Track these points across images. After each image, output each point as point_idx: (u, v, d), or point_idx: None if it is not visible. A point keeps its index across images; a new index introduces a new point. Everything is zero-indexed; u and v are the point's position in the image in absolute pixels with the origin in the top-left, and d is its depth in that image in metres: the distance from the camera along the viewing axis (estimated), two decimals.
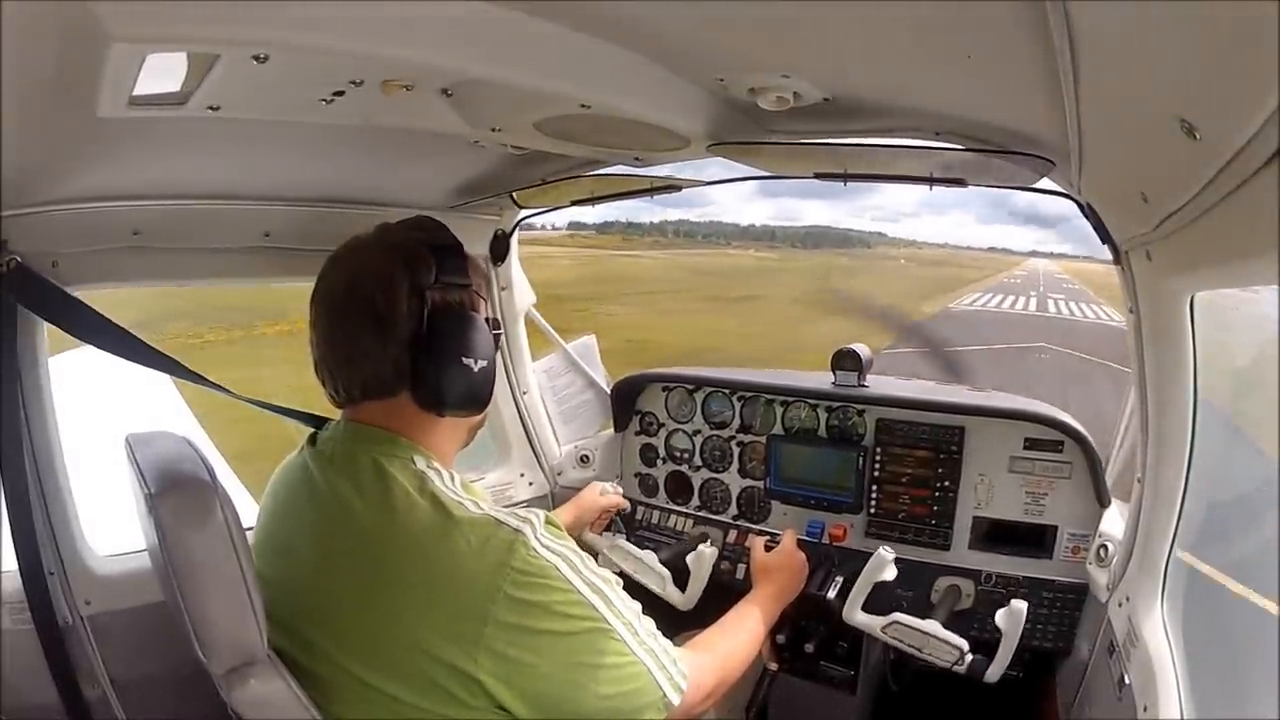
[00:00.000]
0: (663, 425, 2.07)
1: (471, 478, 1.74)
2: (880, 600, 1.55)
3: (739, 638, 1.26)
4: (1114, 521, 1.55)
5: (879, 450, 1.77)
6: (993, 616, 1.45)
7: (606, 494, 1.83)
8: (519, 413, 2.07)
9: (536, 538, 0.90)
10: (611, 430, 2.15)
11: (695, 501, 2.03)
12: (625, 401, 2.12)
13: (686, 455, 2.04)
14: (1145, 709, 1.13)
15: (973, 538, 1.70)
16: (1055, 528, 1.63)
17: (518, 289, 1.99)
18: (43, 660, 1.31)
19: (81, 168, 1.13)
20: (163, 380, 2.61)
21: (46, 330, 1.31)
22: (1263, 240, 0.66)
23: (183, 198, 1.32)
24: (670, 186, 1.56)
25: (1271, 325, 1.26)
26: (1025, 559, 1.64)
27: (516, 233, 1.91)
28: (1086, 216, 1.14)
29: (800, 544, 1.64)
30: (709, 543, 1.77)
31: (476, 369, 0.98)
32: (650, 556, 1.69)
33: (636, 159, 1.37)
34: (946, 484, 1.71)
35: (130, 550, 1.43)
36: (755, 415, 1.95)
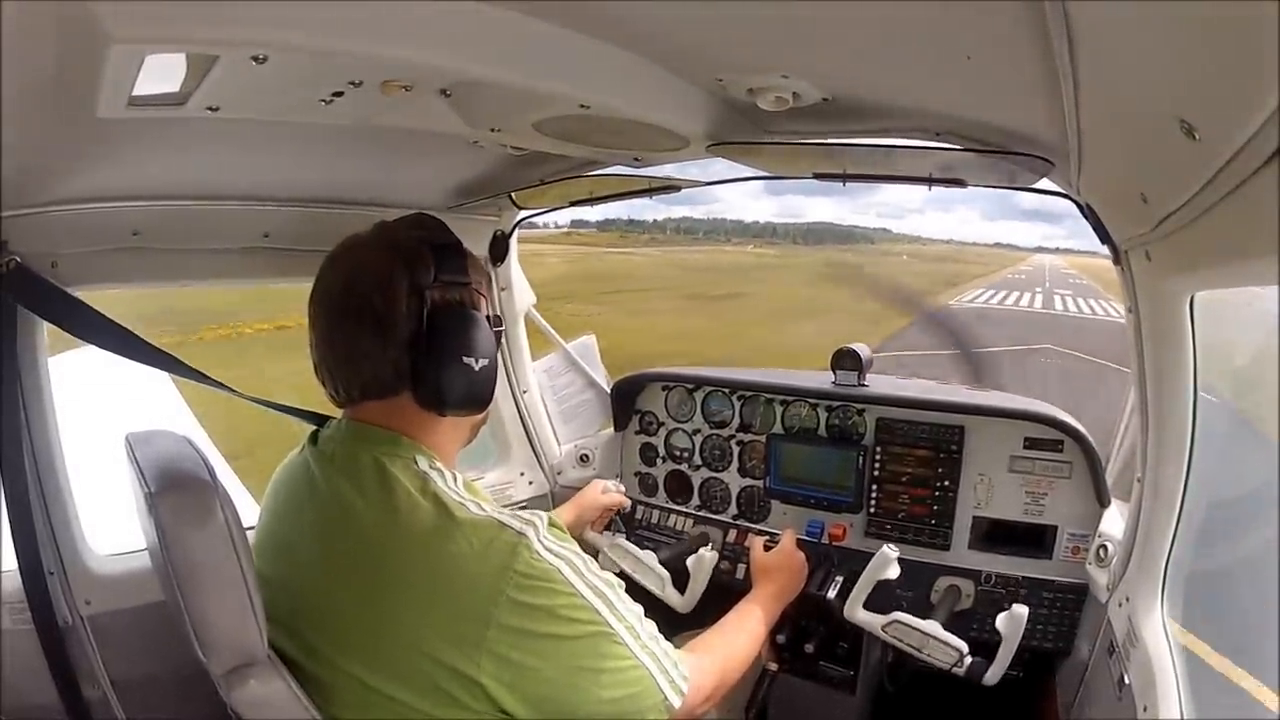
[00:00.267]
0: (662, 424, 2.07)
1: (471, 477, 1.75)
2: (881, 599, 1.55)
3: (739, 639, 1.26)
4: (1114, 521, 1.55)
5: (879, 450, 1.77)
6: (993, 617, 1.45)
7: (609, 492, 1.83)
8: (519, 412, 2.07)
9: (539, 540, 0.89)
10: (611, 429, 2.16)
11: (695, 501, 2.03)
12: (625, 401, 2.12)
13: (686, 454, 2.04)
14: (1145, 709, 1.13)
15: (972, 537, 1.69)
16: (1055, 528, 1.63)
17: (517, 289, 1.99)
18: (43, 660, 1.31)
19: (81, 168, 1.13)
20: (163, 379, 2.61)
21: (46, 330, 1.31)
22: (1262, 240, 0.66)
23: (182, 198, 1.33)
24: (669, 187, 1.56)
25: None
26: (1025, 559, 1.64)
27: (516, 233, 1.92)
28: (1086, 217, 1.14)
29: (800, 544, 1.64)
30: (709, 546, 1.77)
31: (478, 367, 0.97)
32: (650, 557, 1.69)
33: (636, 159, 1.37)
34: (946, 484, 1.71)
35: (130, 550, 1.43)
36: (755, 414, 1.95)
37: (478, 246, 1.85)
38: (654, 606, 1.05)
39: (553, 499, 2.12)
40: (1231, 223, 0.72)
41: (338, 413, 1.05)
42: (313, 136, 1.14)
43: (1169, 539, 1.24)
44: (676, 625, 1.30)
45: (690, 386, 2.03)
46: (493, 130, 1.15)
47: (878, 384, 1.83)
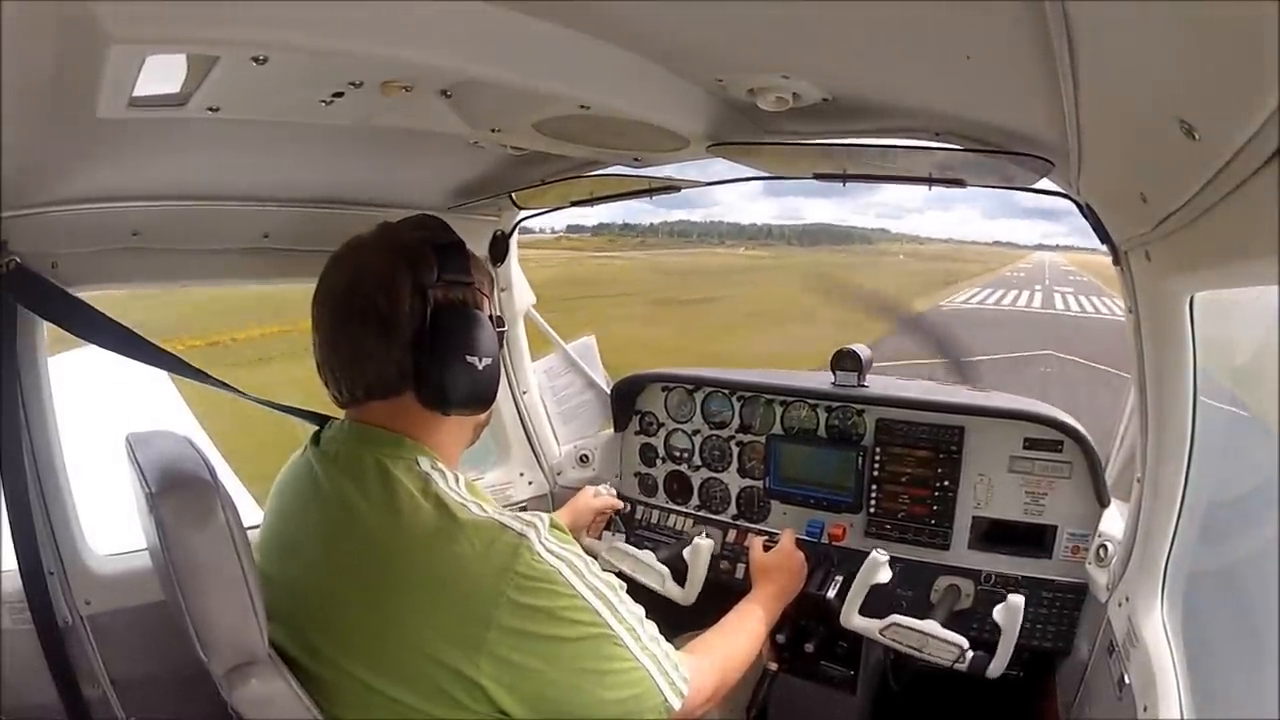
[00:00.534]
0: (662, 425, 2.08)
1: (471, 477, 1.74)
2: (878, 602, 1.55)
3: (739, 639, 1.26)
4: (1114, 521, 1.55)
5: (878, 450, 1.77)
6: (992, 616, 1.45)
7: (600, 496, 1.84)
8: (519, 412, 2.07)
9: (541, 542, 0.89)
10: (611, 430, 2.16)
11: (695, 501, 2.03)
12: (625, 401, 2.12)
13: (686, 455, 2.04)
14: (1145, 709, 1.13)
15: (972, 537, 1.70)
16: (1055, 527, 1.63)
17: (517, 289, 1.99)
18: (43, 660, 1.31)
19: (81, 168, 1.13)
20: (162, 379, 2.61)
21: (46, 330, 1.31)
22: (1262, 240, 0.66)
23: (182, 199, 1.33)
24: (669, 187, 1.56)
25: None
26: (1025, 559, 1.64)
27: (516, 233, 1.92)
28: (1086, 217, 1.14)
29: (799, 544, 1.64)
30: (703, 534, 1.77)
31: (481, 366, 0.97)
32: (649, 556, 1.70)
33: (636, 159, 1.37)
34: (946, 484, 1.71)
35: (130, 550, 1.43)
36: (755, 415, 1.95)
37: (478, 247, 1.85)
38: (655, 608, 1.05)
39: (552, 499, 2.12)
40: (1231, 223, 0.72)
41: (339, 413, 1.05)
42: (313, 137, 1.14)
43: (1169, 539, 1.24)
44: (677, 626, 1.29)
45: (690, 387, 2.03)
46: (493, 130, 1.16)
47: (877, 384, 1.84)
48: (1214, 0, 0.46)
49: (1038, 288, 32.40)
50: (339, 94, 0.93)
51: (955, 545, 1.70)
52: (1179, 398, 1.14)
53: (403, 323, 0.94)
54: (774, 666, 1.75)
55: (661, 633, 1.01)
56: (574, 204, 1.74)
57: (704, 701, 1.07)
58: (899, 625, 1.48)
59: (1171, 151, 0.68)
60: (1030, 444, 1.66)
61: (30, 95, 0.78)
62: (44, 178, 1.13)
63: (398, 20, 0.77)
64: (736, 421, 1.97)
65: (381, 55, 0.81)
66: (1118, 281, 1.17)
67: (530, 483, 2.11)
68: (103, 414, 2.04)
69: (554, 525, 0.93)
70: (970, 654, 1.42)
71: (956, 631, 1.45)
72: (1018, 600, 1.43)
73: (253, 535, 0.92)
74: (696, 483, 2.03)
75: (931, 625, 1.46)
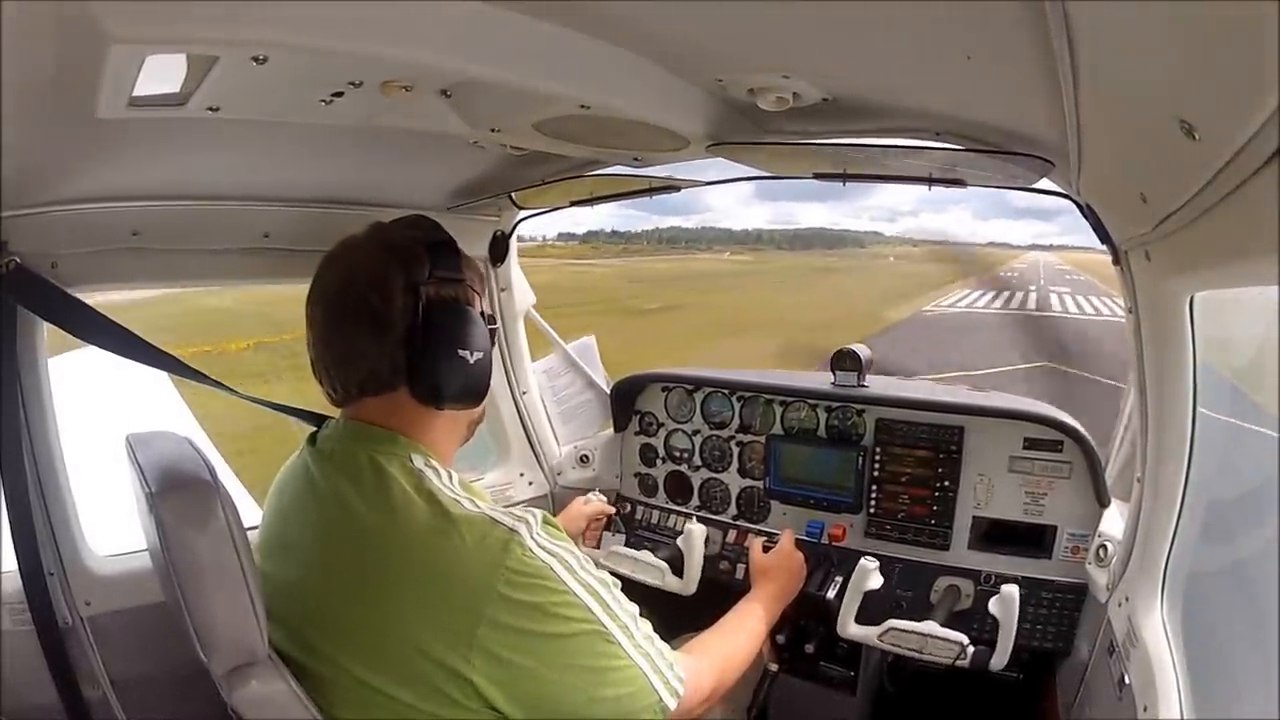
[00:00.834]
0: (662, 425, 2.07)
1: (471, 478, 1.74)
2: (875, 607, 1.55)
3: (737, 639, 1.26)
4: (1114, 521, 1.55)
5: (878, 450, 1.77)
6: (992, 616, 1.45)
7: (590, 502, 1.86)
8: (518, 413, 2.07)
9: (533, 537, 0.90)
10: (611, 430, 2.15)
11: (695, 501, 2.03)
12: (625, 401, 2.12)
13: (686, 455, 2.04)
14: (1145, 709, 1.12)
15: (972, 538, 1.69)
16: (1055, 528, 1.63)
17: (517, 290, 1.99)
18: (43, 661, 1.31)
19: (81, 168, 1.13)
20: (163, 380, 2.61)
21: (46, 330, 1.31)
22: (1262, 240, 0.66)
23: (182, 199, 1.33)
24: (670, 187, 1.56)
25: None
26: (1025, 559, 1.64)
27: (516, 233, 1.92)
28: (1085, 217, 1.14)
29: (799, 544, 1.64)
30: (693, 519, 1.77)
31: (473, 361, 0.98)
32: (647, 555, 1.70)
33: (636, 159, 1.37)
34: (946, 484, 1.71)
35: (130, 550, 1.43)
36: (755, 415, 1.95)
37: (478, 246, 1.85)
38: (654, 609, 1.05)
39: (553, 500, 2.12)
40: (1231, 223, 0.72)
41: (336, 413, 1.06)
42: (313, 137, 1.14)
43: (1169, 539, 1.24)
44: (676, 626, 1.29)
45: (690, 387, 2.03)
46: (493, 130, 1.16)
47: (877, 385, 1.84)
48: (1214, 0, 0.46)
49: (1032, 288, 30.87)
50: (339, 94, 0.93)
51: (955, 545, 1.70)
52: (1179, 398, 1.14)
53: (395, 319, 0.95)
54: (774, 667, 1.75)
55: (660, 633, 1.00)
56: (574, 204, 1.74)
57: (701, 701, 1.07)
58: (897, 629, 1.48)
59: (1171, 151, 0.68)
60: (1030, 444, 1.65)
61: (30, 95, 0.78)
62: (44, 178, 1.13)
63: (398, 20, 0.77)
64: (736, 422, 1.97)
65: (381, 55, 0.81)
66: (1117, 281, 1.17)
67: (530, 483, 2.11)
68: (103, 415, 2.04)
69: (547, 521, 0.94)
70: (971, 649, 1.42)
71: (956, 631, 1.45)
72: (1011, 590, 1.44)
73: (252, 536, 0.92)
74: (696, 483, 2.03)
75: (930, 626, 1.46)
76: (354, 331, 0.96)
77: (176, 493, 0.85)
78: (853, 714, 1.83)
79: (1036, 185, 1.17)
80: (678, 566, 1.69)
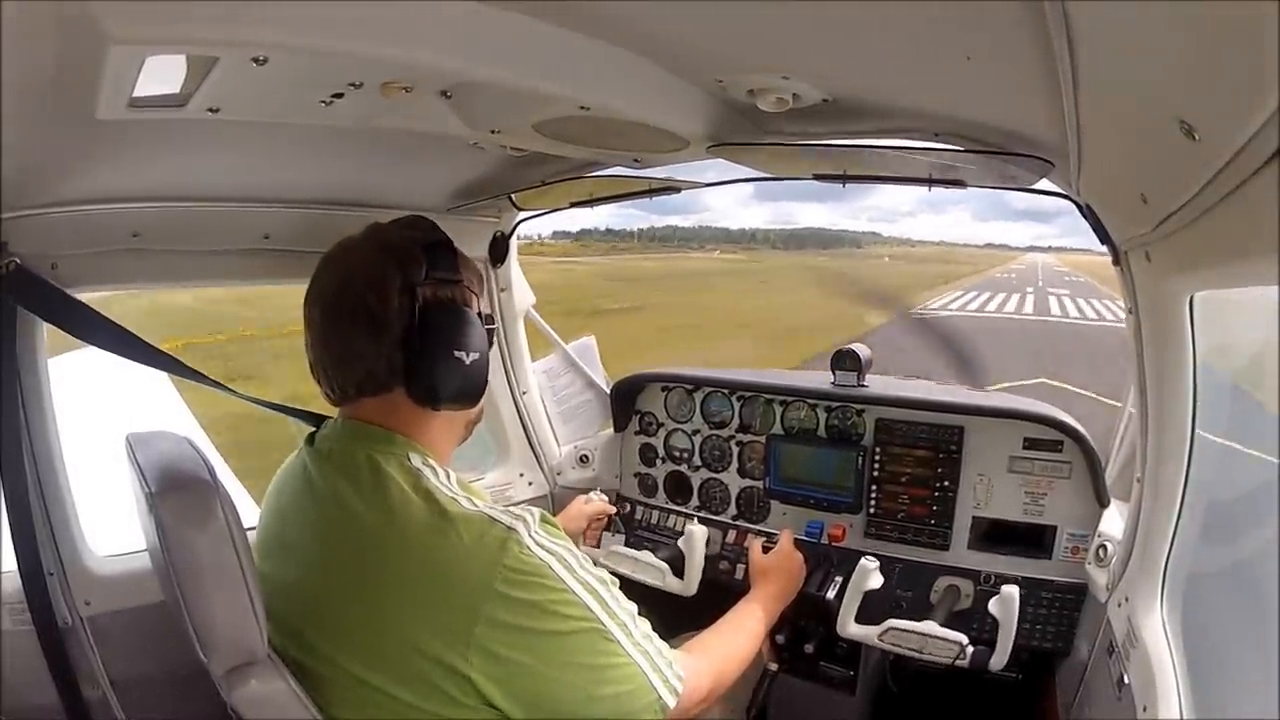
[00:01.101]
0: (662, 425, 2.07)
1: (471, 478, 1.74)
2: (875, 606, 1.55)
3: (736, 639, 1.26)
4: (1114, 521, 1.55)
5: (878, 450, 1.77)
6: (992, 616, 1.45)
7: (591, 502, 1.86)
8: (518, 413, 2.07)
9: (530, 535, 0.90)
10: (611, 430, 2.15)
11: (694, 501, 2.03)
12: (625, 401, 2.12)
13: (686, 455, 2.04)
14: (1145, 709, 1.13)
15: (972, 538, 1.69)
16: (1055, 528, 1.63)
17: (517, 290, 1.99)
18: (43, 661, 1.31)
19: (81, 169, 1.13)
20: (163, 380, 2.61)
21: (46, 331, 1.31)
22: (1263, 240, 0.66)
23: (182, 200, 1.33)
24: (669, 188, 1.56)
25: None
26: (1024, 559, 1.64)
27: (516, 234, 1.92)
28: (1085, 217, 1.14)
29: (799, 544, 1.64)
30: (695, 520, 1.77)
31: (469, 362, 0.99)
32: (647, 555, 1.70)
33: (636, 160, 1.37)
34: (946, 484, 1.71)
35: (130, 550, 1.43)
36: (754, 415, 1.95)
37: (478, 247, 1.85)
38: (654, 609, 1.05)
39: (553, 500, 2.12)
40: (1231, 223, 0.72)
41: (334, 413, 1.06)
42: (313, 138, 1.14)
43: (1169, 539, 1.24)
44: (675, 626, 1.30)
45: (690, 387, 2.03)
46: (493, 132, 1.16)
47: (877, 384, 1.84)
48: (1214, 0, 0.46)
49: (1030, 290, 29.65)
50: (339, 95, 0.93)
51: (955, 545, 1.70)
52: (1179, 398, 1.14)
53: (392, 320, 0.95)
54: (774, 667, 1.75)
55: (660, 633, 1.00)
56: (574, 205, 1.74)
57: (700, 700, 1.07)
58: (897, 629, 1.48)
59: (1171, 151, 0.68)
60: (1030, 444, 1.66)
61: (30, 95, 0.78)
62: (44, 178, 1.13)
63: (398, 21, 0.77)
64: (736, 421, 1.97)
65: (381, 56, 0.81)
66: (1117, 282, 1.17)
67: (530, 483, 2.11)
68: (103, 415, 2.04)
69: (545, 520, 0.94)
70: (971, 649, 1.42)
71: (956, 631, 1.45)
72: (1011, 591, 1.44)
73: (250, 536, 0.92)
74: (696, 483, 2.03)
75: (929, 626, 1.46)
76: (351, 332, 0.96)
77: (176, 493, 0.85)
78: (852, 714, 1.83)
79: (1036, 186, 1.17)
80: (678, 567, 1.69)
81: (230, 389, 1.29)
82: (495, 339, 1.93)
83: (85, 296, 1.23)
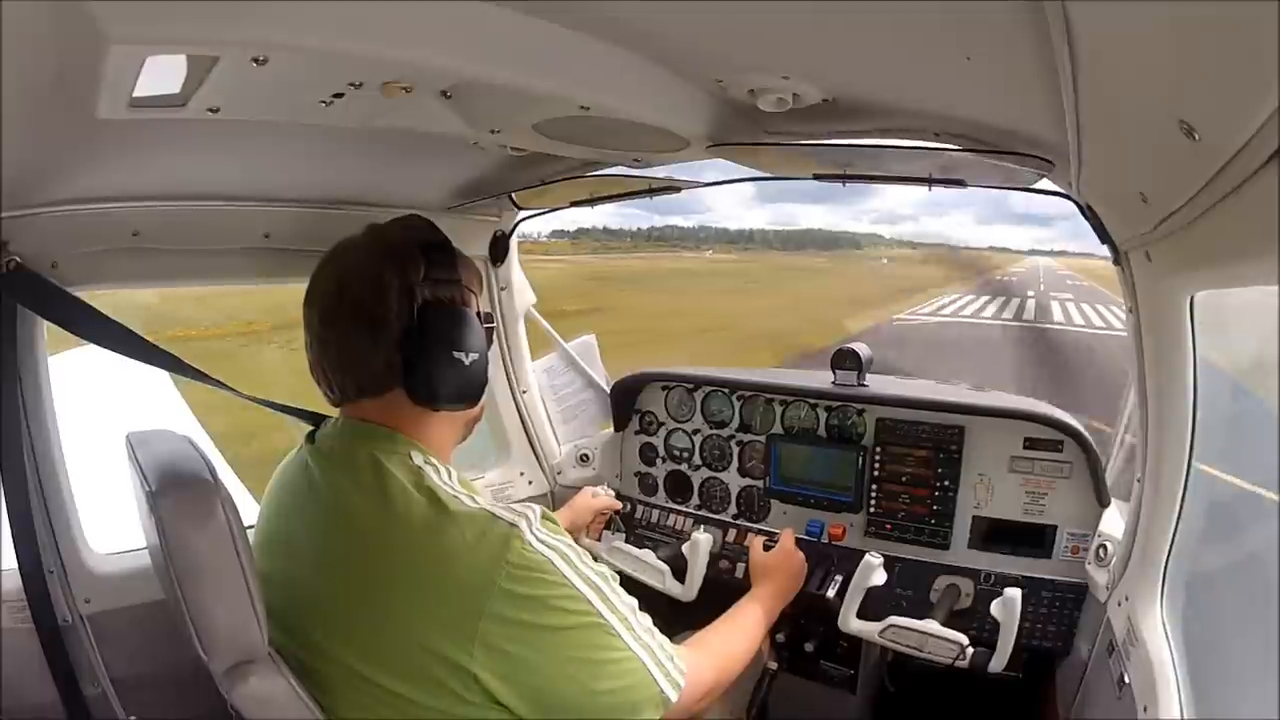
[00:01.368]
0: (662, 424, 2.08)
1: (471, 476, 1.74)
2: (876, 604, 1.55)
3: (736, 637, 1.27)
4: (1114, 521, 1.55)
5: (879, 450, 1.77)
6: (992, 616, 1.45)
7: (599, 496, 1.85)
8: (519, 412, 2.07)
9: (532, 532, 0.90)
10: (611, 429, 2.16)
11: (695, 500, 2.03)
12: (625, 401, 2.12)
13: (686, 454, 2.04)
14: (1145, 709, 1.13)
15: (972, 537, 1.70)
16: (1055, 527, 1.63)
17: (517, 289, 2.00)
18: (42, 660, 1.32)
19: (81, 169, 1.13)
20: (163, 379, 2.61)
21: (46, 330, 1.31)
22: (1263, 240, 0.66)
23: (182, 199, 1.33)
24: (670, 188, 1.56)
25: None
26: (1025, 558, 1.64)
27: (516, 233, 1.92)
28: (1086, 217, 1.14)
29: (799, 543, 1.64)
30: (702, 529, 1.77)
31: (468, 362, 0.99)
32: (649, 555, 1.70)
33: (635, 160, 1.37)
34: (946, 483, 1.71)
35: (130, 549, 1.43)
36: (755, 414, 1.95)
37: (478, 246, 1.85)
38: (654, 609, 1.05)
39: (553, 499, 2.12)
40: (1231, 223, 0.72)
41: (334, 412, 1.06)
42: (313, 138, 1.14)
43: (1169, 539, 1.24)
44: (675, 625, 1.29)
45: (690, 386, 2.04)
46: (493, 131, 1.16)
47: (877, 384, 1.84)
48: (1214, 1, 0.46)
49: (1031, 294, 27.86)
50: (339, 94, 0.93)
51: (955, 545, 1.70)
52: (1179, 398, 1.14)
53: (391, 321, 0.96)
54: (774, 666, 1.75)
55: (662, 630, 1.01)
56: (574, 204, 1.74)
57: (702, 696, 1.08)
58: (897, 626, 1.48)
59: (1171, 151, 0.68)
60: (1030, 444, 1.66)
61: (30, 95, 0.78)
62: (44, 178, 1.13)
63: (398, 20, 0.77)
64: (736, 421, 1.97)
65: (381, 55, 0.81)
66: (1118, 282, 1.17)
67: (530, 482, 2.11)
68: (103, 414, 2.04)
69: (545, 517, 0.94)
70: (970, 650, 1.42)
71: (956, 631, 1.45)
72: (1015, 594, 1.44)
73: (249, 535, 0.92)
74: (696, 482, 2.03)
75: (930, 625, 1.47)
76: (349, 332, 0.97)
77: (176, 491, 0.86)
78: (852, 713, 1.83)
79: (1036, 185, 1.17)
80: (678, 567, 1.69)
81: (231, 388, 1.29)
82: (495, 338, 1.94)
83: (85, 296, 1.24)
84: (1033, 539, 1.64)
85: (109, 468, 1.16)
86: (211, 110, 0.90)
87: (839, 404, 1.82)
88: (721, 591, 1.54)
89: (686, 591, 1.67)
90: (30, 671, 1.31)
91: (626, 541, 1.82)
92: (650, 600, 1.23)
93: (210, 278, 1.57)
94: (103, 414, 1.98)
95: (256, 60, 0.76)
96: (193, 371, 1.26)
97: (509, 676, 0.86)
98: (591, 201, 1.71)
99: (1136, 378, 1.21)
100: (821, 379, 1.86)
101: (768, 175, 1.41)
